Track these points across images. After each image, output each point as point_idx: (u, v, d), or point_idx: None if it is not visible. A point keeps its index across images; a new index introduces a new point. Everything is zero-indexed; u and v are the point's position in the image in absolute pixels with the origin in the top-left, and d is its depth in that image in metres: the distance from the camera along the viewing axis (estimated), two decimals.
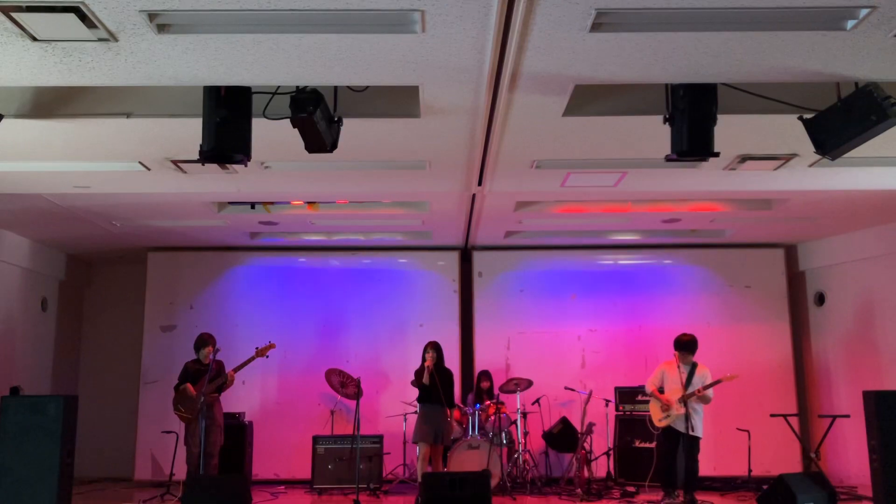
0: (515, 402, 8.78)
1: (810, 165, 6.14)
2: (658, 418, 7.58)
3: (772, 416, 8.40)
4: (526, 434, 8.74)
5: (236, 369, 7.89)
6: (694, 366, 7.51)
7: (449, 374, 7.91)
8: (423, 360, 7.87)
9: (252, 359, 7.91)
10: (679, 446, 7.44)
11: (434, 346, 7.89)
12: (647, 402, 7.96)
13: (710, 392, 7.37)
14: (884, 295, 8.69)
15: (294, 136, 4.47)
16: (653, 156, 5.64)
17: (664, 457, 7.63)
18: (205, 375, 7.82)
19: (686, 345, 7.55)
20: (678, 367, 7.50)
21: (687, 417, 7.26)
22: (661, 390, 7.59)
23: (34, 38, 3.73)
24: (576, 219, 8.57)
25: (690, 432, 7.27)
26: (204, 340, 8.03)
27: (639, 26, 3.70)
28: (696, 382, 7.39)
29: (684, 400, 7.31)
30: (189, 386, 7.82)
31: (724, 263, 9.81)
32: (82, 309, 10.57)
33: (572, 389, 8.96)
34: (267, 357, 8.04)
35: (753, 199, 7.91)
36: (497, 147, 5.72)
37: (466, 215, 8.23)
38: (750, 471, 8.41)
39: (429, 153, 5.94)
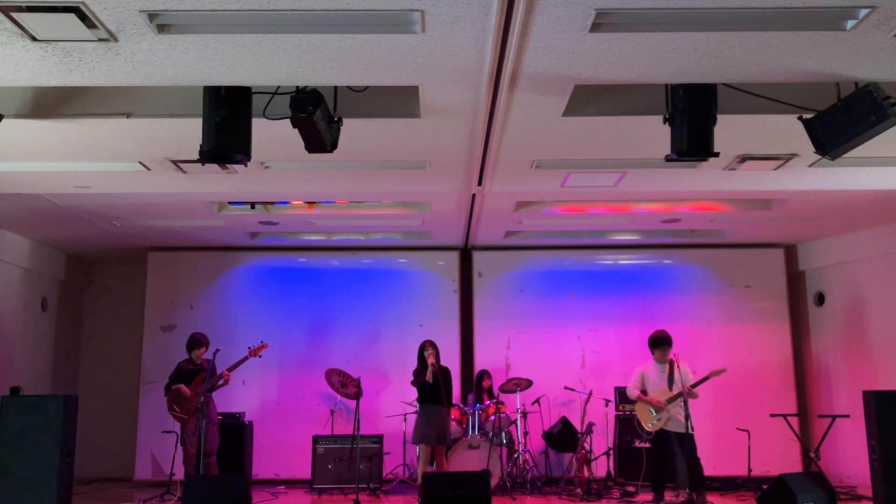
0: (515, 402, 8.78)
1: (810, 165, 6.14)
2: (649, 421, 7.45)
3: (772, 415, 8.43)
4: (526, 434, 8.75)
5: (230, 369, 7.91)
6: (671, 363, 7.44)
7: (447, 372, 7.91)
8: (421, 358, 7.86)
9: (245, 359, 7.93)
10: (676, 447, 7.37)
11: (433, 345, 7.89)
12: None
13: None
14: (883, 295, 8.68)
15: (294, 136, 4.47)
16: (653, 156, 5.63)
17: (657, 460, 7.49)
18: (199, 375, 7.82)
19: (663, 341, 7.51)
20: (657, 366, 7.49)
21: (687, 417, 7.23)
22: (643, 393, 7.55)
23: (34, 38, 3.73)
24: (576, 219, 8.57)
25: (690, 431, 7.23)
26: (197, 340, 8.05)
27: (639, 26, 3.70)
28: (678, 380, 7.33)
29: (675, 400, 7.28)
30: (183, 386, 7.84)
31: (723, 263, 9.81)
32: (82, 309, 10.57)
33: (572, 389, 8.97)
34: (260, 357, 8.06)
35: (753, 199, 7.91)
36: (497, 147, 5.71)
37: (466, 215, 8.23)
38: (750, 471, 8.42)
39: (429, 153, 5.94)
